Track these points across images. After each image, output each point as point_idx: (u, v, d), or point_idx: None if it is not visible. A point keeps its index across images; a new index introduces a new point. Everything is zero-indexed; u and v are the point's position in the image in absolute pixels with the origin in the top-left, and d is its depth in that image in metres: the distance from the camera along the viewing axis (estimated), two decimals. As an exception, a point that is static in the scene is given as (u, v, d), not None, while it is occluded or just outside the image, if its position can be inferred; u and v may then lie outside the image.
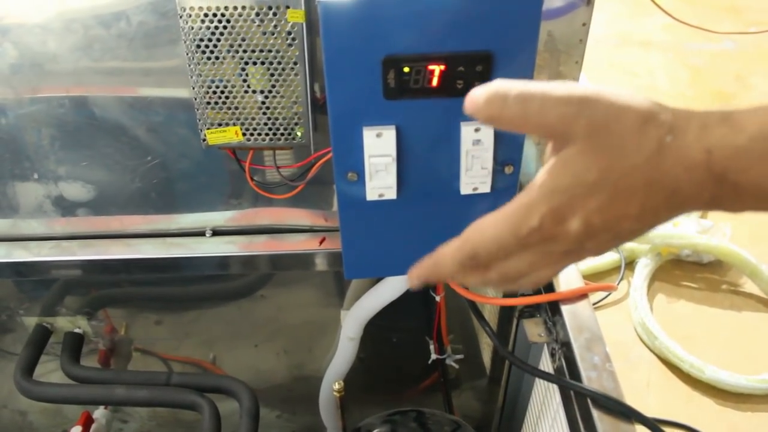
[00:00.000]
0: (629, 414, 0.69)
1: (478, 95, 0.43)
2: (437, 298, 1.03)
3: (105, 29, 0.80)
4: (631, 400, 1.61)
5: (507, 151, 0.71)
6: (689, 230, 1.92)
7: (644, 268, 1.88)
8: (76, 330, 1.17)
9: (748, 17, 3.18)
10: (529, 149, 0.90)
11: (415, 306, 1.16)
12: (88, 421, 1.21)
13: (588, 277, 1.87)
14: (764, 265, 1.84)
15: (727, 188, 0.39)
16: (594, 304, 1.82)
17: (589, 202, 0.41)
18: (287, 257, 0.99)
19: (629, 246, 1.96)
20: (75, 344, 1.15)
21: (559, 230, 0.43)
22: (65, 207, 0.97)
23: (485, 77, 0.65)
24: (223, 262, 1.00)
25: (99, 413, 1.26)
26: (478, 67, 0.64)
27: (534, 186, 0.43)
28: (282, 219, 0.99)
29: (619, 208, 0.41)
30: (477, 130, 0.68)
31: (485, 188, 0.73)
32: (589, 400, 0.71)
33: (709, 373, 1.60)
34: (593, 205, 0.41)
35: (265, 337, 1.26)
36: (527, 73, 0.66)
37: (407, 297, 0.99)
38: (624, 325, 1.78)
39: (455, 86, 0.66)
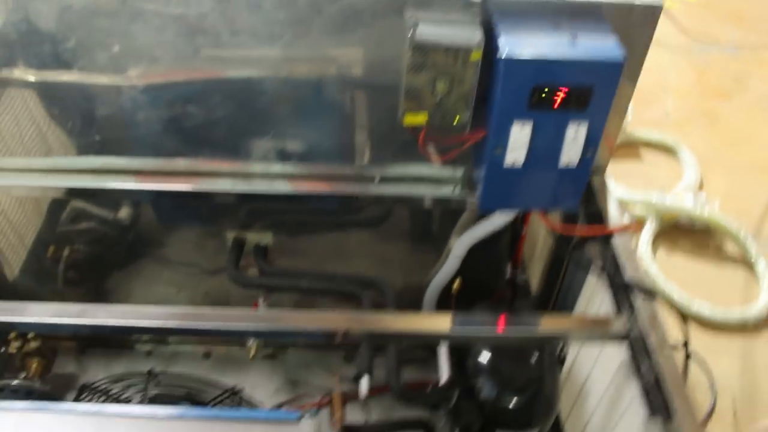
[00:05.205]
0: (653, 292, 1.21)
1: None
2: (522, 231, 1.55)
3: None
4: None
5: (590, 144, 1.22)
6: (687, 202, 2.44)
7: (650, 227, 2.41)
8: (263, 242, 1.68)
9: (750, 25, 3.64)
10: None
11: (499, 239, 1.66)
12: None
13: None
14: (742, 232, 2.37)
15: None
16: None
17: None
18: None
19: (638, 213, 2.48)
20: (263, 252, 1.67)
21: None
22: (284, 155, 1.47)
23: (585, 102, 1.16)
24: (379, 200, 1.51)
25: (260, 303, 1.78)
26: (582, 96, 1.15)
27: None
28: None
29: None
30: (575, 131, 1.19)
31: (573, 165, 1.24)
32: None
33: (695, 307, 2.14)
34: None
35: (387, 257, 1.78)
36: (608, 101, 1.17)
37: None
38: (632, 271, 2.31)
39: (568, 105, 1.16)
